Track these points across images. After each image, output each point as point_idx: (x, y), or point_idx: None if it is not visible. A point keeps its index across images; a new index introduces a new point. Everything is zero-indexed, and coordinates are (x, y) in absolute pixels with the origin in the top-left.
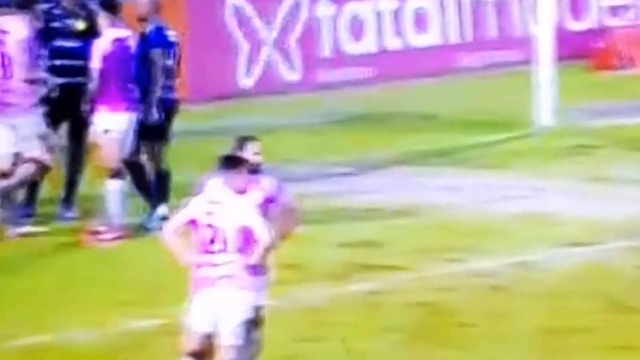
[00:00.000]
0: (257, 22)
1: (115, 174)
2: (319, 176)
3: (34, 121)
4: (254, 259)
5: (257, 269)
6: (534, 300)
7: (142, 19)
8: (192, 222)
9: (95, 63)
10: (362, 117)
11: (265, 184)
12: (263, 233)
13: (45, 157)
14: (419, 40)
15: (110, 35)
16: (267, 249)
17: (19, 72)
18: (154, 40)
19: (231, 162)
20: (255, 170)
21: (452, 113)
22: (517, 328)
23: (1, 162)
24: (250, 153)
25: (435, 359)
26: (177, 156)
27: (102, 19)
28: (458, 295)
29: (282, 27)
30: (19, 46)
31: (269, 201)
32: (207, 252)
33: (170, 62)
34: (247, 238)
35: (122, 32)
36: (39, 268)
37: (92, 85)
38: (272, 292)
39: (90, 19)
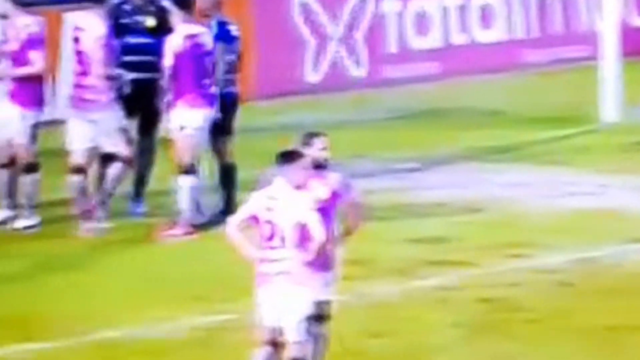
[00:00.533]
0: (323, 18)
1: (188, 170)
2: (385, 172)
3: (113, 116)
4: (308, 255)
5: (324, 265)
6: (599, 296)
7: (205, 14)
8: (254, 218)
9: (167, 60)
10: (428, 112)
11: (331, 180)
12: (317, 230)
13: (127, 152)
14: (484, 35)
15: (183, 31)
16: (321, 246)
17: (95, 68)
18: (216, 34)
19: (289, 158)
20: (321, 165)
21: (517, 109)
22: (582, 324)
23: (78, 157)
24: (316, 149)
25: (500, 354)
26: (243, 152)
27: (175, 16)
28: (523, 291)
29: (349, 23)
30: (95, 43)
31: (335, 197)
32: (267, 247)
33: (232, 57)
34: (303, 234)
35: (195, 29)
36: (109, 264)
37: (164, 82)
38: (339, 288)
39: (160, 15)
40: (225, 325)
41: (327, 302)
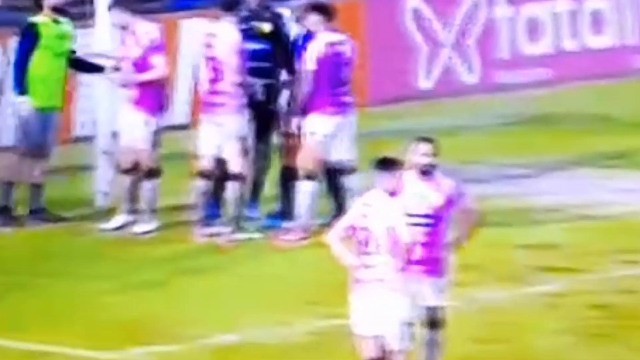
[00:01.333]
0: (436, 25)
1: (310, 176)
2: (498, 177)
3: (239, 121)
4: (399, 261)
5: (437, 271)
6: None
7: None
8: (352, 227)
9: (309, 64)
10: (540, 118)
11: (445, 186)
12: (405, 236)
13: (240, 167)
14: (595, 41)
15: (324, 39)
16: (409, 251)
17: (228, 74)
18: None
19: (382, 164)
20: (425, 171)
21: (629, 115)
22: None
23: (205, 162)
24: (419, 154)
25: None
26: (357, 158)
27: (316, 24)
28: (637, 298)
29: (461, 29)
30: (229, 49)
31: (449, 203)
32: (363, 254)
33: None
34: (395, 240)
35: (336, 37)
36: (225, 268)
37: (304, 86)
38: (452, 294)
39: (275, 21)
40: (340, 330)
41: (441, 308)
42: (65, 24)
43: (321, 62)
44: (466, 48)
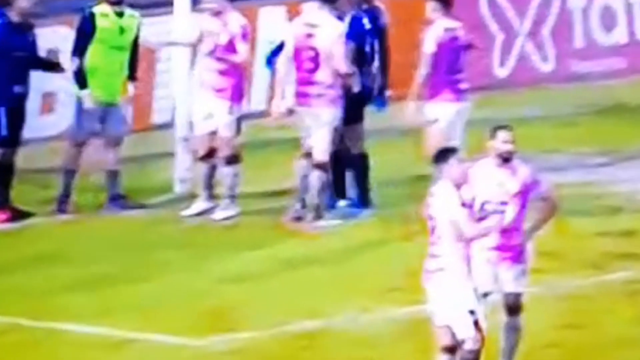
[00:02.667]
0: (511, 13)
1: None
2: (575, 166)
3: (332, 112)
4: (459, 250)
5: (516, 257)
6: None
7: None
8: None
9: (428, 47)
10: (614, 108)
11: (522, 174)
12: (466, 226)
13: (325, 156)
14: None
15: (441, 25)
16: (470, 240)
17: (326, 65)
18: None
19: (441, 155)
20: (506, 158)
21: None
22: None
23: (320, 155)
24: (499, 141)
25: None
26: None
27: (433, 11)
28: None
29: (536, 18)
30: (333, 39)
31: (526, 190)
32: (431, 243)
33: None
34: (458, 230)
35: (452, 23)
36: (307, 256)
37: (423, 70)
38: (531, 280)
39: (374, 13)
40: (423, 315)
41: (519, 294)
42: (128, 17)
43: (439, 47)
44: (541, 37)
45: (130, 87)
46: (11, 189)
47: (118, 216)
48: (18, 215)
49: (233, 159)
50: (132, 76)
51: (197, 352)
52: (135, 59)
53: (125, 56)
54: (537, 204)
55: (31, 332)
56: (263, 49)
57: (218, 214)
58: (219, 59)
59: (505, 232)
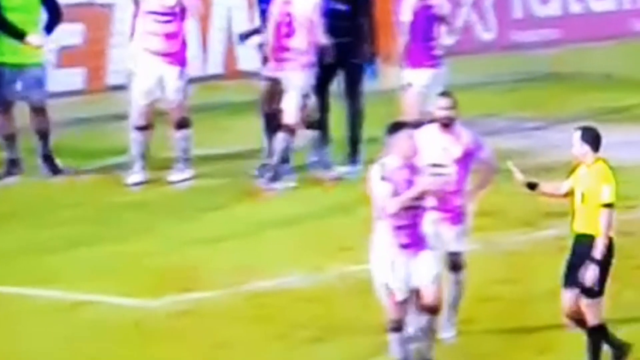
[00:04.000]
0: None
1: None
2: (514, 130)
3: (303, 77)
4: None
5: (457, 218)
6: None
7: None
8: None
9: (405, 16)
10: (549, 75)
11: (464, 138)
12: (386, 202)
13: (294, 119)
14: (598, 5)
15: None
16: (390, 214)
17: (301, 32)
18: None
19: (392, 128)
20: (445, 124)
21: (627, 73)
22: None
23: (289, 117)
24: (439, 108)
25: (626, 302)
26: (371, 115)
27: None
28: (635, 239)
29: None
30: (310, 7)
31: (468, 154)
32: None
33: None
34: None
35: None
36: (260, 218)
37: (401, 38)
38: (471, 238)
39: None
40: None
41: (461, 253)
42: None
43: (415, 15)
44: (484, 8)
45: (32, 38)
46: None
47: (72, 178)
48: None
49: (184, 123)
50: (48, 31)
51: (150, 312)
52: (55, 15)
53: (28, 17)
54: (478, 166)
55: None
56: (220, 12)
57: (173, 176)
58: (166, 22)
59: (447, 194)
